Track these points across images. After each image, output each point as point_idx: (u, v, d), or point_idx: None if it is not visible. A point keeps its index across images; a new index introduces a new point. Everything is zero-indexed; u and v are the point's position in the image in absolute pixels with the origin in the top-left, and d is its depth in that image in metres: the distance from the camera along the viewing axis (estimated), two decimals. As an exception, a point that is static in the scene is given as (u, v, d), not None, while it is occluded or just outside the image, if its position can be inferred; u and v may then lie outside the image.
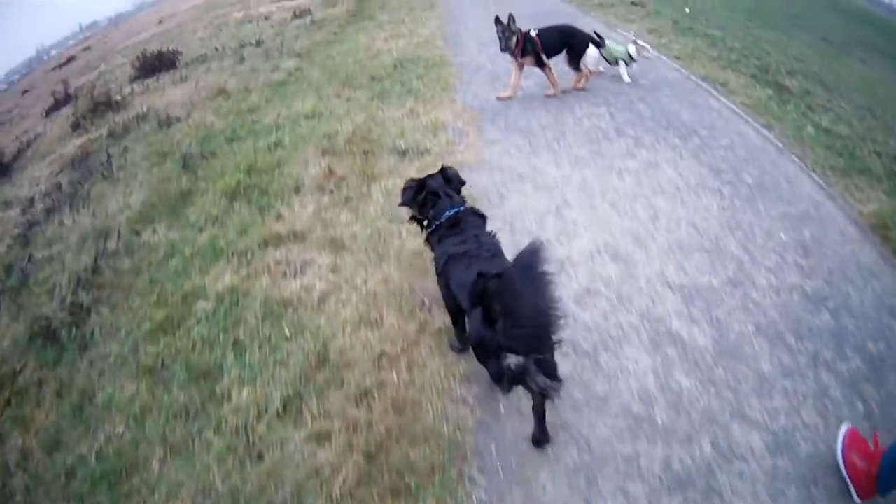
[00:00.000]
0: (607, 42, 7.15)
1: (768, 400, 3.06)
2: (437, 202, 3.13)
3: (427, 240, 3.24)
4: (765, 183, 5.04)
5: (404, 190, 3.29)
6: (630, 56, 7.16)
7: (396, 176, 5.18)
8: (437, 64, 8.03)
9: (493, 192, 4.92)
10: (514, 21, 6.39)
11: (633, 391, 3.14)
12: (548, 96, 6.90)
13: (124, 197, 5.77)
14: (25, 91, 26.23)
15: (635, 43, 7.16)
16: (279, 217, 4.89)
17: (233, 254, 4.48)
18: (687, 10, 12.56)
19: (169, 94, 10.05)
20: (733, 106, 6.80)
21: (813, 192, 4.93)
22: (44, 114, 14.13)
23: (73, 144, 8.65)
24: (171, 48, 13.62)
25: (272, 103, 7.75)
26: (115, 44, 29.02)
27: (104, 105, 10.35)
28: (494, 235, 3.09)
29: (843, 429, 2.78)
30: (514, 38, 6.37)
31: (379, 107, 6.81)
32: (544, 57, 6.57)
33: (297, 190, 5.25)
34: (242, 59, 10.78)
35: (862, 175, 5.26)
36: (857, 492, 2.60)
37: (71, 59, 31.34)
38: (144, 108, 9.13)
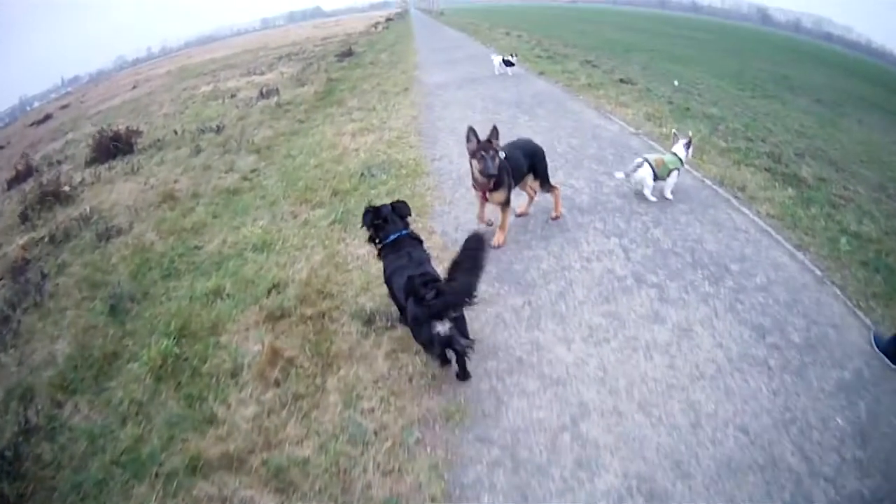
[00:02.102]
0: (653, 156, 5.98)
1: None
2: (385, 227, 3.81)
3: (378, 254, 3.91)
4: (812, 339, 4.03)
5: (364, 214, 3.88)
6: (681, 161, 5.99)
7: (360, 362, 3.91)
8: (412, 172, 6.71)
9: (487, 394, 3.66)
10: (497, 135, 4.73)
11: None
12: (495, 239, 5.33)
13: (51, 342, 4.94)
14: (1, 147, 25.67)
15: (688, 140, 5.99)
16: (212, 420, 3.67)
17: (157, 475, 3.36)
18: (676, 84, 11.74)
19: (118, 189, 9.10)
20: (758, 220, 5.75)
21: (862, 341, 4.03)
22: (5, 186, 13.79)
23: (17, 244, 7.89)
24: (130, 127, 12.95)
25: (220, 220, 6.54)
26: (90, 106, 28.42)
27: (52, 196, 9.70)
28: (425, 252, 3.93)
29: None
30: (497, 161, 4.73)
31: (340, 238, 5.54)
32: (510, 193, 5.07)
33: (235, 375, 4.01)
34: (199, 150, 9.71)
35: (905, 299, 4.48)
36: None
37: (48, 117, 31.02)
38: (89, 209, 8.43)
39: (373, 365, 3.84)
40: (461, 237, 5.20)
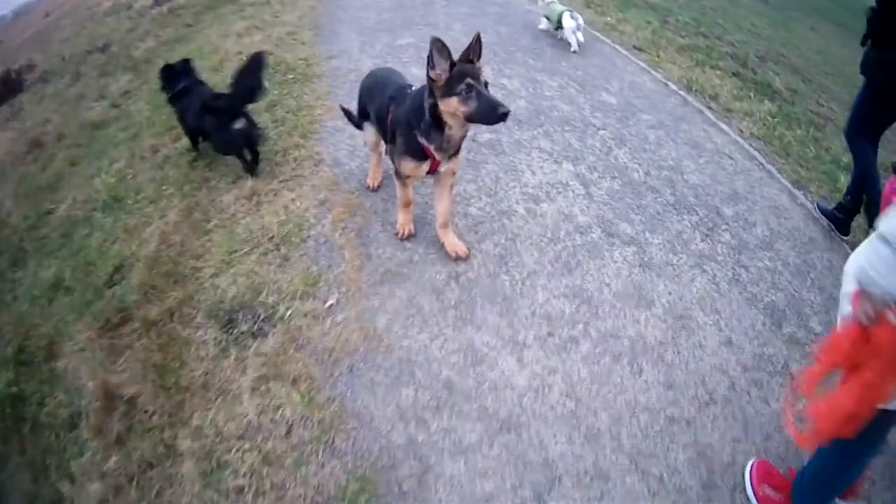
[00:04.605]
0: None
1: None
2: (177, 77, 3.89)
3: (170, 101, 3.92)
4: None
5: (160, 70, 3.95)
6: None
7: (219, 401, 2.43)
8: (301, 76, 4.71)
9: (403, 454, 2.22)
10: (480, 52, 2.40)
11: None
12: None
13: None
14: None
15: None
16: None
17: None
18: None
19: (-5, 145, 7.09)
20: (742, 141, 4.50)
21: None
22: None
23: None
24: (24, 63, 10.84)
25: (78, 168, 4.76)
26: (7, 46, 24.76)
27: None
28: (211, 90, 3.90)
29: (751, 462, 2.23)
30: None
31: (204, 179, 3.73)
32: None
33: (74, 426, 2.52)
34: (78, 77, 7.70)
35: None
36: None
37: (-29, 69, 27.05)
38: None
39: (236, 406, 2.38)
40: (357, 167, 3.65)
